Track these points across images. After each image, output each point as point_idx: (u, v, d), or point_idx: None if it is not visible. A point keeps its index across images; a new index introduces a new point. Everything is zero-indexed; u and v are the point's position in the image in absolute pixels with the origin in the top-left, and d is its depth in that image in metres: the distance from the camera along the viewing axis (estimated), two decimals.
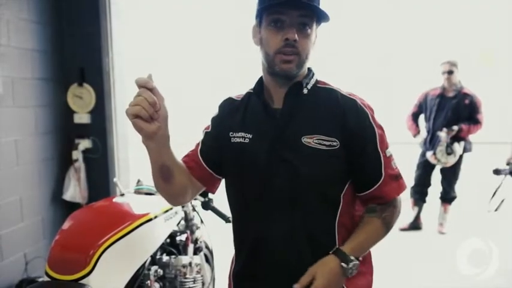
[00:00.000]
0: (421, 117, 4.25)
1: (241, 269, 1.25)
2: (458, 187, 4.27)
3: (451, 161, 3.92)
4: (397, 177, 1.20)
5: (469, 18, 9.25)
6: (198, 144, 1.30)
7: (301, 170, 1.13)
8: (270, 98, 1.20)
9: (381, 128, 1.19)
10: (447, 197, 4.20)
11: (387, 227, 1.20)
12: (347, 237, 1.17)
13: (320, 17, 1.13)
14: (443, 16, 9.46)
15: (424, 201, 4.26)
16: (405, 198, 4.29)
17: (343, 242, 1.16)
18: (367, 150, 1.16)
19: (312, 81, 1.20)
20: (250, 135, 1.19)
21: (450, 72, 3.92)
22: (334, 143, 1.13)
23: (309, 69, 1.21)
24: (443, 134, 3.87)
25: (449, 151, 3.86)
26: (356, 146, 1.15)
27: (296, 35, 1.08)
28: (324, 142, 1.13)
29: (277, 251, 1.17)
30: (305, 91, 1.18)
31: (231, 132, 1.23)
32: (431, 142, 4.04)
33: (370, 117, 1.16)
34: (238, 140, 1.21)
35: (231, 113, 1.26)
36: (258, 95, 1.21)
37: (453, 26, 9.45)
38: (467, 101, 3.92)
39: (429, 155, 3.98)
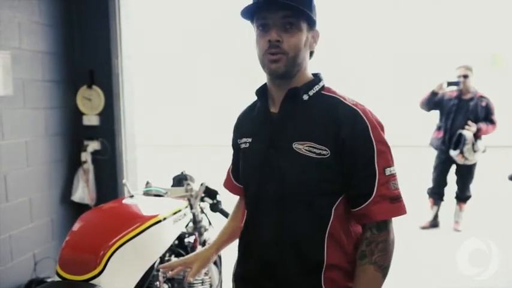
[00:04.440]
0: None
1: (237, 270, 1.30)
2: (473, 187, 4.37)
3: (476, 157, 4.08)
4: (393, 199, 1.11)
5: (480, 20, 9.21)
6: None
7: (289, 176, 1.13)
8: (273, 102, 1.21)
9: (383, 143, 1.12)
10: (463, 197, 4.34)
11: (382, 270, 1.12)
12: (337, 253, 1.14)
13: (308, 17, 1.12)
14: (454, 18, 9.42)
15: (442, 200, 4.44)
16: (424, 198, 4.42)
17: (332, 256, 1.13)
18: (359, 164, 1.10)
19: (317, 88, 1.17)
20: (250, 140, 1.23)
21: (466, 76, 4.10)
22: (324, 152, 1.10)
23: (316, 76, 1.20)
24: (469, 134, 3.98)
25: (475, 149, 4.00)
26: (348, 157, 1.10)
27: (277, 36, 1.10)
28: (314, 150, 1.11)
29: (263, 255, 1.19)
30: (305, 97, 1.16)
31: (239, 140, 1.28)
32: (450, 141, 4.12)
33: (370, 130, 1.10)
34: (243, 145, 1.26)
35: (242, 121, 1.32)
36: (260, 99, 1.24)
37: (465, 28, 9.41)
38: (483, 103, 4.12)
39: (455, 154, 4.05)
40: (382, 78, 10.17)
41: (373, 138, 1.10)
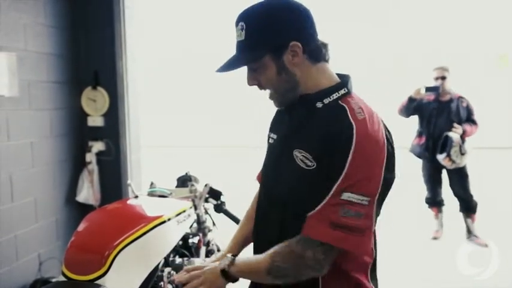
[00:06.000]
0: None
1: None
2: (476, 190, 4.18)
3: (465, 160, 3.94)
4: (337, 226, 1.01)
5: (488, 20, 9.18)
6: None
7: (284, 183, 1.13)
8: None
9: (362, 170, 1.02)
10: (469, 206, 4.07)
11: (274, 273, 1.06)
12: (334, 263, 1.08)
13: (266, 51, 1.10)
14: (461, 18, 9.40)
15: (443, 205, 4.28)
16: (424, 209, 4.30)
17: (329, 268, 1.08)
18: (323, 176, 1.03)
19: (335, 96, 1.11)
20: (275, 136, 1.24)
21: (443, 78, 3.98)
22: (310, 163, 1.07)
23: (340, 82, 1.14)
24: (456, 135, 3.87)
25: (463, 151, 3.87)
26: (322, 169, 1.04)
27: (253, 80, 1.15)
28: (306, 160, 1.08)
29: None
30: (319, 105, 1.11)
31: (269, 133, 1.29)
32: (434, 147, 3.99)
33: (352, 151, 1.01)
34: (270, 140, 1.26)
35: (277, 116, 1.31)
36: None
37: (472, 28, 9.38)
38: (464, 104, 4.02)
39: (442, 158, 3.92)
40: (383, 79, 10.15)
41: (349, 158, 1.01)
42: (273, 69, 1.11)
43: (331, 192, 1.02)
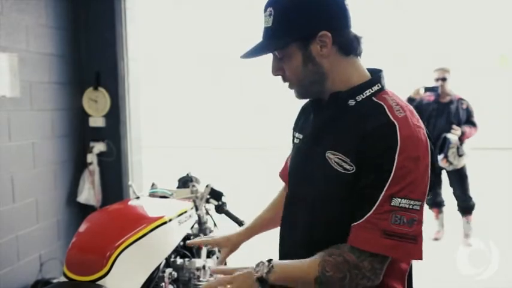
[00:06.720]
0: None
1: None
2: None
3: (462, 162, 3.95)
4: (389, 234, 0.94)
5: (489, 21, 9.18)
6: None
7: (317, 185, 1.07)
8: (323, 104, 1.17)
9: (409, 171, 0.95)
10: (467, 206, 4.10)
11: (323, 275, 0.97)
12: None
13: (292, 40, 1.03)
14: (463, 18, 9.40)
15: (444, 206, 4.30)
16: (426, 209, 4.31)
17: None
18: (369, 182, 0.97)
19: (368, 92, 1.04)
20: (301, 136, 1.19)
21: (444, 79, 4.01)
22: (349, 167, 1.00)
23: (372, 78, 1.07)
24: (454, 137, 3.88)
25: (461, 153, 3.88)
26: (365, 174, 0.98)
27: (276, 70, 1.10)
28: (343, 164, 1.01)
29: (291, 255, 1.15)
30: (351, 103, 1.04)
31: (295, 133, 1.24)
32: (433, 148, 4.00)
33: (398, 150, 0.94)
34: (296, 140, 1.22)
35: (302, 114, 1.26)
36: (315, 100, 1.17)
37: (473, 28, 9.38)
38: (464, 106, 4.04)
39: (439, 159, 3.92)
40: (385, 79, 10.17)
41: (396, 160, 0.95)
42: (299, 59, 1.04)
43: (380, 198, 0.95)
